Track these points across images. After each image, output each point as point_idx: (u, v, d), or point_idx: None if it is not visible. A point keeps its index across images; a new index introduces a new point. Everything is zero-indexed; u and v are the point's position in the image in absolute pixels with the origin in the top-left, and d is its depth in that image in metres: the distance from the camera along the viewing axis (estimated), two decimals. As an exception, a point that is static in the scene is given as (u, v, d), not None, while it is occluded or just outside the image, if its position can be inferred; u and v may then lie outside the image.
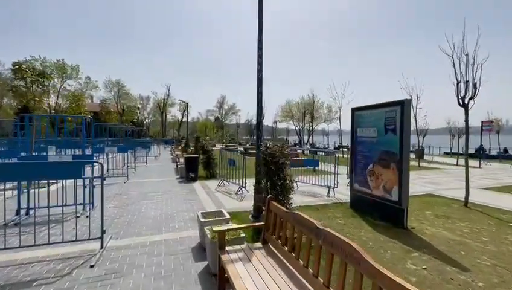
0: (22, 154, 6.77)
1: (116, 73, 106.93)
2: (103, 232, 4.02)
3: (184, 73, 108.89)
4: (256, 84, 5.24)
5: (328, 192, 7.97)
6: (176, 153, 18.92)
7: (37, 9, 79.18)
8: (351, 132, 6.65)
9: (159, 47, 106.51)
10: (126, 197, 7.39)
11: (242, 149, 26.87)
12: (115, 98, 57.62)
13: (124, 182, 9.60)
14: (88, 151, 6.63)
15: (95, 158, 12.41)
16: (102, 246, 3.99)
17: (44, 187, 6.66)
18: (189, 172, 10.14)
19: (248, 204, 6.67)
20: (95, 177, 4.31)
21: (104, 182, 9.57)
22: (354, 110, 6.55)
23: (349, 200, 6.96)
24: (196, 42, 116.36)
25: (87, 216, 5.54)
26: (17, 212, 5.55)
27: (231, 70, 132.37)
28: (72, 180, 6.01)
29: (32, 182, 5.52)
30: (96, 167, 4.38)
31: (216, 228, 2.85)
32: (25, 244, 3.75)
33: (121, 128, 19.36)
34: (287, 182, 4.43)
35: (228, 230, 2.98)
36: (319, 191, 8.30)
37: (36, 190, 5.48)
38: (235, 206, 6.57)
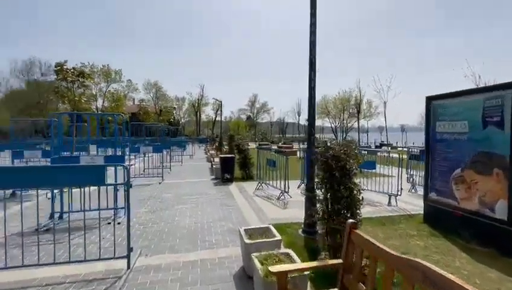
0: (63, 153, 6.60)
1: (154, 74, 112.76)
2: (130, 250, 3.35)
3: (217, 72, 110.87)
4: (308, 68, 4.23)
5: (389, 200, 6.64)
6: (210, 152, 18.62)
7: (84, 10, 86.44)
8: (426, 128, 5.28)
9: (195, 47, 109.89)
10: (160, 200, 6.89)
11: (276, 148, 25.87)
12: (153, 99, 60.47)
13: (159, 183, 9.24)
14: (121, 152, 6.20)
15: (132, 157, 12.49)
16: (129, 267, 3.33)
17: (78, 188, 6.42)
18: (225, 173, 9.45)
19: (294, 213, 5.69)
20: (118, 184, 3.64)
21: (140, 182, 9.38)
22: (430, 99, 5.16)
23: (419, 212, 5.61)
24: (228, 41, 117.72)
25: (118, 223, 5.05)
26: (51, 216, 5.26)
27: (263, 68, 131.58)
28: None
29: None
30: (123, 170, 3.75)
31: (274, 269, 1.93)
32: (45, 262, 3.23)
33: (157, 127, 19.64)
34: (355, 192, 3.38)
35: (291, 271, 2.04)
36: (377, 198, 6.98)
37: (72, 191, 5.16)
38: (279, 216, 5.63)
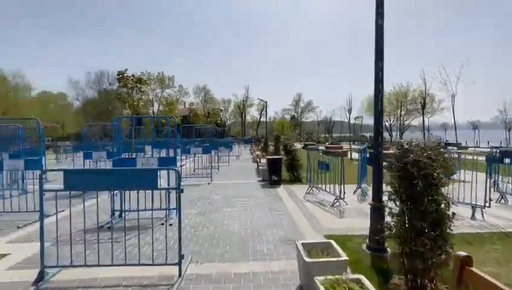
0: (124, 155, 7.10)
1: (202, 79, 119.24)
2: (181, 257, 3.23)
3: (261, 74, 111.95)
4: (374, 58, 3.62)
5: (473, 213, 5.48)
6: (256, 153, 18.58)
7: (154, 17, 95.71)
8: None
9: (237, 49, 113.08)
10: (209, 201, 6.88)
11: (323, 148, 24.68)
12: (202, 102, 63.83)
13: (208, 183, 9.37)
14: (173, 153, 6.34)
15: (183, 158, 13.06)
16: (180, 275, 3.21)
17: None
18: (272, 175, 9.13)
19: (352, 223, 5.07)
20: (170, 189, 3.56)
21: (190, 182, 9.66)
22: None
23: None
24: (272, 41, 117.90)
25: (170, 224, 5.10)
26: (112, 214, 5.60)
27: (307, 66, 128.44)
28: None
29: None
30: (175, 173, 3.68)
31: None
32: (105, 263, 3.30)
33: (206, 129, 20.42)
34: (443, 206, 2.69)
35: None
36: (455, 209, 5.83)
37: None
38: (335, 225, 5.06)
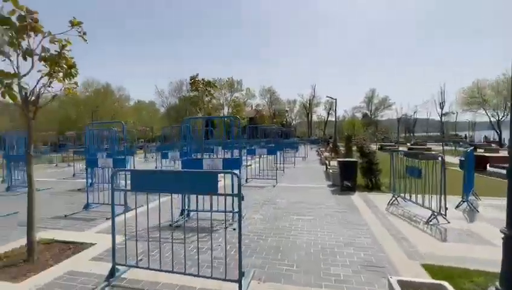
0: (194, 155, 7.35)
1: (268, 81, 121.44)
2: (241, 274, 2.82)
3: (328, 71, 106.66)
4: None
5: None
6: (324, 154, 17.34)
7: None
8: None
9: (303, 47, 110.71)
10: (274, 206, 6.42)
11: (405, 149, 21.36)
12: (268, 104, 64.83)
13: (273, 186, 8.96)
14: (238, 154, 6.13)
15: (249, 158, 13.08)
16: (240, 294, 2.80)
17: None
18: (345, 180, 8.07)
19: (464, 250, 3.79)
20: (228, 195, 3.21)
21: (255, 184, 9.44)
22: None
23: None
24: (340, 35, 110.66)
25: (234, 229, 4.84)
26: (182, 213, 5.72)
27: (378, 60, 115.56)
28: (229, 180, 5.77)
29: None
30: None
31: None
32: (165, 269, 3.17)
33: (271, 129, 20.26)
34: None
35: None
36: None
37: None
38: (437, 251, 3.86)
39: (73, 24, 4.42)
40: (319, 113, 71.99)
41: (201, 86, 9.79)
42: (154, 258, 3.58)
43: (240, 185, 2.81)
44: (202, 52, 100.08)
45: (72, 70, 4.57)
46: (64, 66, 4.35)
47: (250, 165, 13.57)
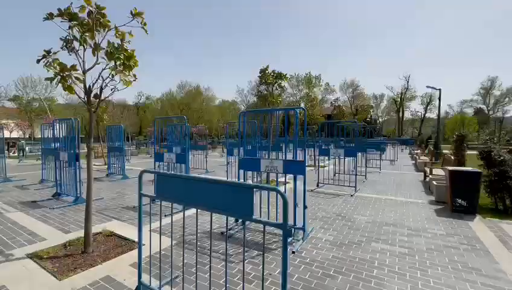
0: (258, 154, 6.63)
1: (350, 74, 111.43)
2: None
3: (429, 58, 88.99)
4: None
5: None
6: (421, 158, 13.96)
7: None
8: None
9: (394, 32, 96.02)
10: (350, 225, 4.98)
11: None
12: (349, 99, 59.45)
13: (351, 195, 7.34)
14: (302, 155, 4.98)
15: (326, 158, 11.51)
16: None
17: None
18: (458, 197, 5.77)
19: None
20: (272, 225, 2.17)
21: (329, 190, 7.98)
22: None
23: None
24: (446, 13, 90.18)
25: (293, 252, 3.78)
26: (236, 220, 5.04)
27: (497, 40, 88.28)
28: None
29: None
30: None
31: None
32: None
33: (353, 127, 17.83)
34: None
35: None
36: None
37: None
38: None
39: (134, 15, 4.21)
40: (413, 108, 61.36)
41: (270, 78, 8.90)
42: (191, 278, 2.92)
43: (286, 206, 1.74)
44: (283, 50, 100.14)
45: (131, 61, 4.39)
46: (121, 57, 4.18)
47: (324, 166, 12.04)
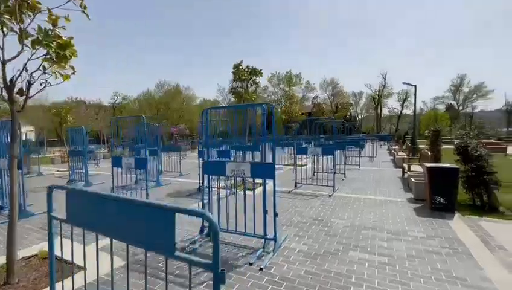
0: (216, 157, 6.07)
1: (331, 71, 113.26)
2: None
3: (405, 56, 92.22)
4: None
5: None
6: (399, 153, 14.04)
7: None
8: None
9: (372, 33, 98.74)
10: (327, 230, 4.58)
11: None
12: (329, 97, 60.28)
13: (330, 196, 7.00)
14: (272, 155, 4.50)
15: (305, 156, 11.12)
16: None
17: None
18: (437, 195, 5.56)
19: None
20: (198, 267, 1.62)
21: (306, 190, 7.60)
22: None
23: None
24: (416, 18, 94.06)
25: (261, 268, 3.29)
26: (201, 230, 4.48)
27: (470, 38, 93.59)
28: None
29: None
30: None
31: None
32: None
33: (331, 124, 17.72)
34: None
35: None
36: None
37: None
38: None
39: (69, -4, 3.52)
40: (390, 105, 63.30)
41: (245, 74, 8.45)
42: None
43: (216, 242, 1.23)
44: (266, 49, 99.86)
45: (67, 51, 3.69)
46: (51, 45, 3.48)
47: (303, 165, 11.73)
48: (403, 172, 9.68)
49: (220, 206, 4.14)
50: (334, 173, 7.89)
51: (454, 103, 63.29)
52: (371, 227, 4.67)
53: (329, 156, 7.84)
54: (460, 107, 61.65)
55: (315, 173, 9.57)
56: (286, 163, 13.32)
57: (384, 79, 58.44)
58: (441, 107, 65.32)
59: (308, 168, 10.87)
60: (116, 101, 68.28)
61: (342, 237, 4.26)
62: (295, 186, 8.04)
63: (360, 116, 69.66)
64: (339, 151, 10.69)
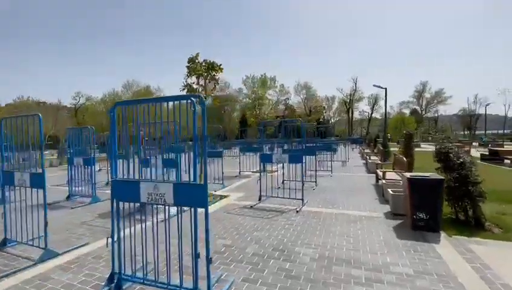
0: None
1: (305, 75, 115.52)
2: None
3: (373, 63, 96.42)
4: None
5: None
6: (371, 158, 13.54)
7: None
8: None
9: (344, 40, 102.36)
10: (289, 266, 3.44)
11: (482, 152, 16.31)
12: (303, 101, 60.69)
13: (297, 211, 5.93)
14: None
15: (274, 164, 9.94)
16: None
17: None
18: (419, 210, 4.70)
19: None
20: None
21: (270, 205, 5.33)
22: None
23: None
24: (385, 26, 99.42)
25: None
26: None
27: (432, 51, 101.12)
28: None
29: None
30: None
31: None
32: None
33: (305, 127, 16.93)
34: None
35: None
36: None
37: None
38: None
39: None
40: (361, 109, 65.34)
41: (201, 69, 7.15)
42: None
43: None
44: (232, 49, 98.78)
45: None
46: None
47: (276, 171, 10.65)
48: (377, 179, 8.98)
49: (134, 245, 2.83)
50: (303, 183, 6.85)
51: (417, 107, 66.95)
52: (344, 259, 3.61)
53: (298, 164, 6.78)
54: (423, 112, 65.33)
55: (284, 182, 8.53)
56: (255, 170, 12.19)
57: (355, 83, 60.20)
58: (406, 112, 68.77)
59: (278, 175, 9.79)
60: (79, 102, 63.07)
61: (307, 279, 3.14)
62: (259, 199, 6.88)
63: (332, 120, 71.12)
64: (308, 157, 9.77)
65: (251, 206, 6.37)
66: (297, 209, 5.99)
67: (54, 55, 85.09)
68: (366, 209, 6.04)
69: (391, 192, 5.68)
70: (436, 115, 65.31)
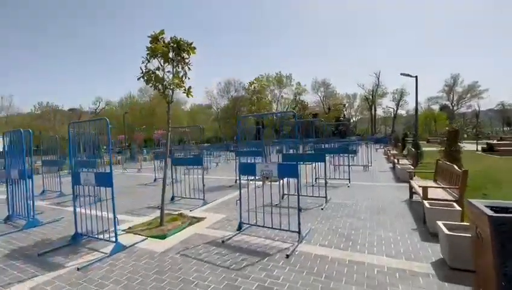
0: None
1: (321, 73, 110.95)
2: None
3: (401, 55, 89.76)
4: None
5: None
6: (401, 162, 10.91)
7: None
8: None
9: (363, 34, 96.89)
10: None
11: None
12: (321, 99, 57.63)
13: (287, 256, 3.77)
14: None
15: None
16: None
17: None
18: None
19: None
20: None
21: (253, 240, 4.16)
22: None
23: None
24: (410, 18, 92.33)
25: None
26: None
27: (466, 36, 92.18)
28: None
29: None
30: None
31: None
32: None
33: (322, 125, 14.55)
34: None
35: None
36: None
37: None
38: None
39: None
40: (385, 105, 60.79)
41: (162, 49, 5.06)
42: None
43: None
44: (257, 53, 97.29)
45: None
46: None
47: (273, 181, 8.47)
48: (411, 191, 6.56)
49: None
50: (299, 206, 4.58)
51: (448, 103, 61.32)
52: None
53: (293, 178, 4.54)
54: (455, 107, 59.70)
55: (284, 197, 6.41)
56: (255, 178, 10.09)
57: (378, 78, 56.11)
58: (435, 108, 63.29)
59: (281, 185, 7.53)
60: (99, 107, 64.72)
61: None
62: (239, 228, 4.77)
63: (354, 118, 67.08)
64: (316, 163, 7.56)
65: (223, 241, 4.31)
66: (288, 253, 3.80)
67: (74, 64, 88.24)
68: (401, 251, 3.75)
69: (446, 230, 3.34)
70: (469, 110, 59.23)
